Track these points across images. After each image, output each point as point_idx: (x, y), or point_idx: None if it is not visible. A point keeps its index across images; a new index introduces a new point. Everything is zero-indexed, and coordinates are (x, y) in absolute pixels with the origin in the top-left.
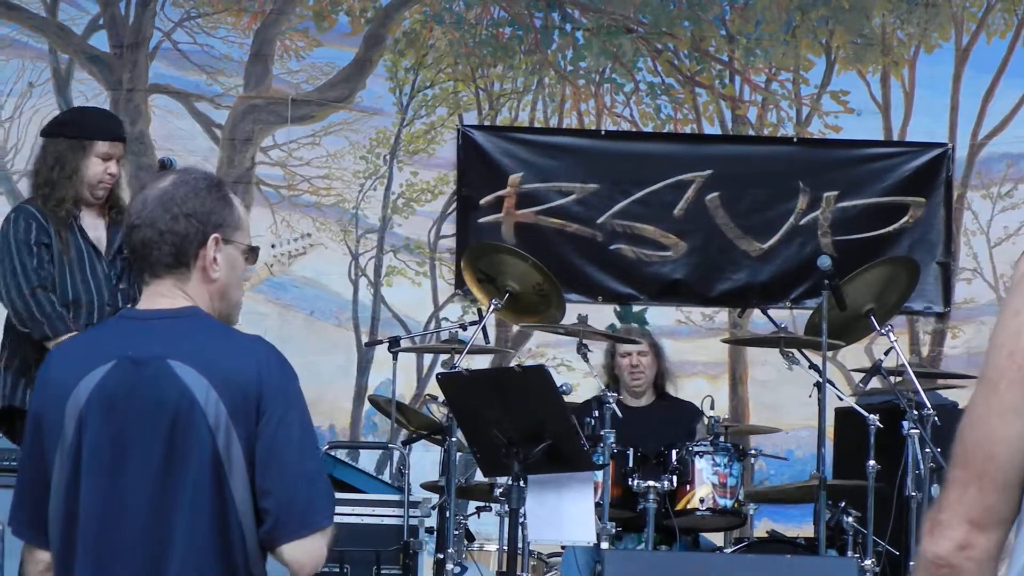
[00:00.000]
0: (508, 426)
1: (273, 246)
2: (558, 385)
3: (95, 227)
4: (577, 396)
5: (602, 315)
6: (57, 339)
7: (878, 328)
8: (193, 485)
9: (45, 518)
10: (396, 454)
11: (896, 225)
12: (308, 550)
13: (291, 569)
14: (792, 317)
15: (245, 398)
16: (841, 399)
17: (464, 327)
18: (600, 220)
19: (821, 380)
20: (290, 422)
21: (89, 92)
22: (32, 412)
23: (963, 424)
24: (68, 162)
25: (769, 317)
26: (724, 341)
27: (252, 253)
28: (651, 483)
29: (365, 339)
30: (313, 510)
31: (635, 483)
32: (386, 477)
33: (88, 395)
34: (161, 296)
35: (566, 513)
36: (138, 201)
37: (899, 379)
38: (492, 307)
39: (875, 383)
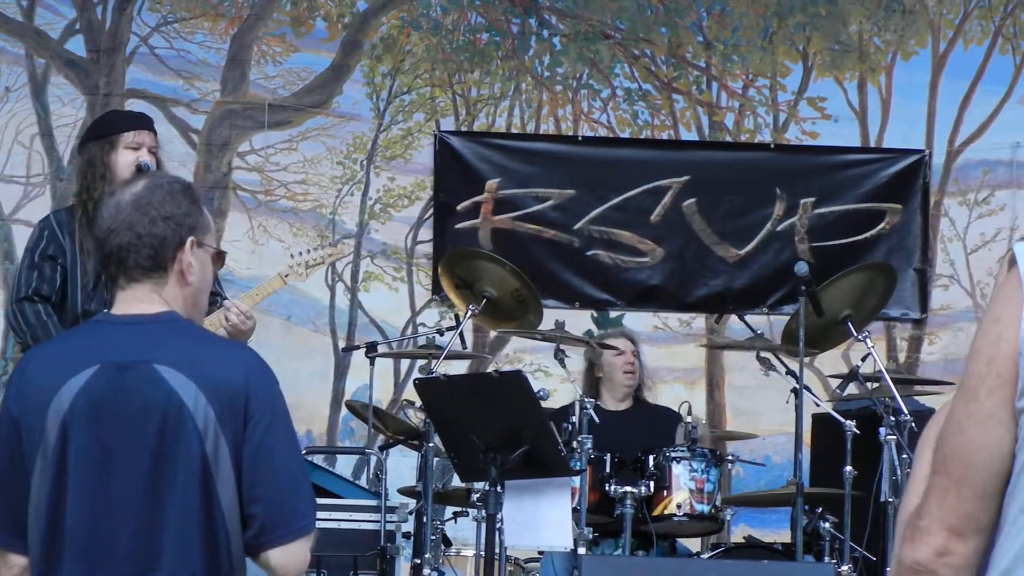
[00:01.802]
0: (485, 431)
1: (292, 255)
2: (535, 391)
3: None
4: (554, 401)
5: (579, 321)
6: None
7: (855, 334)
8: (182, 488)
9: (22, 523)
10: (373, 459)
11: (873, 231)
12: (293, 555)
13: (276, 574)
14: (769, 323)
15: (233, 403)
16: (818, 405)
17: (441, 332)
18: (577, 226)
19: (798, 386)
20: (277, 428)
21: (65, 96)
22: (9, 416)
23: (942, 431)
24: (99, 162)
25: (746, 323)
26: (701, 346)
27: (220, 257)
28: (628, 488)
29: (342, 344)
30: (298, 515)
31: (612, 488)
32: (363, 482)
33: (72, 400)
34: (138, 301)
35: (543, 518)
36: (111, 207)
37: (876, 385)
38: (469, 312)
39: (852, 389)
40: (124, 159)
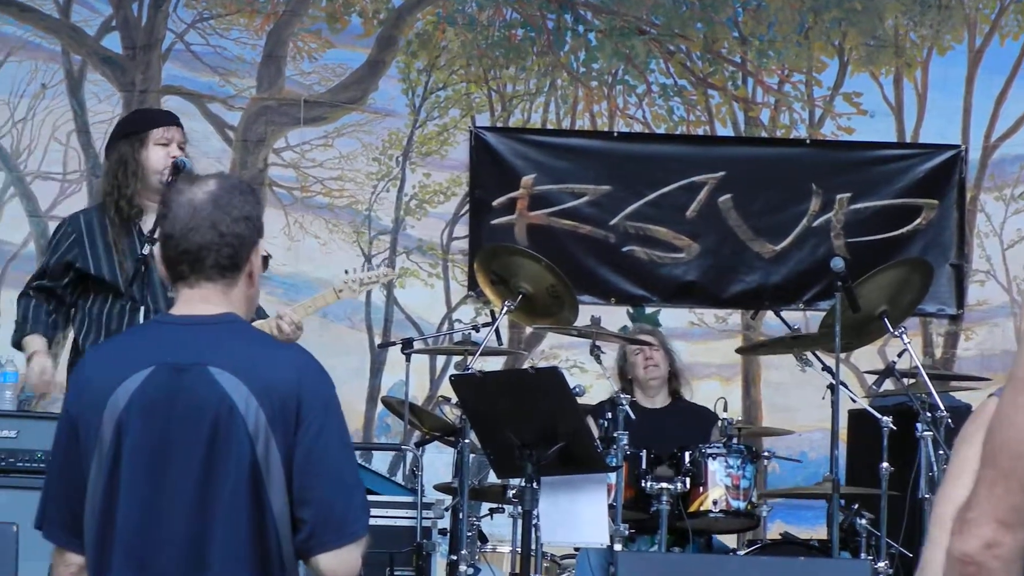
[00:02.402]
0: (521, 428)
1: (346, 271)
2: (571, 387)
3: None
4: (590, 398)
5: (615, 317)
6: (18, 344)
7: (891, 330)
8: (231, 491)
9: (79, 521)
10: (409, 456)
11: (909, 227)
12: (343, 560)
13: None
14: (805, 319)
15: (284, 406)
16: (854, 401)
17: (477, 329)
18: (613, 222)
19: (834, 382)
20: (329, 432)
21: (102, 93)
22: (68, 415)
23: (991, 422)
24: (130, 159)
25: (782, 319)
26: (738, 351)
27: (266, 261)
28: (664, 485)
29: (378, 341)
30: (349, 520)
31: (648, 485)
32: (399, 479)
33: (127, 400)
34: (203, 301)
35: (579, 515)
36: (183, 205)
37: (912, 381)
38: (505, 309)
39: (888, 385)
40: (155, 155)
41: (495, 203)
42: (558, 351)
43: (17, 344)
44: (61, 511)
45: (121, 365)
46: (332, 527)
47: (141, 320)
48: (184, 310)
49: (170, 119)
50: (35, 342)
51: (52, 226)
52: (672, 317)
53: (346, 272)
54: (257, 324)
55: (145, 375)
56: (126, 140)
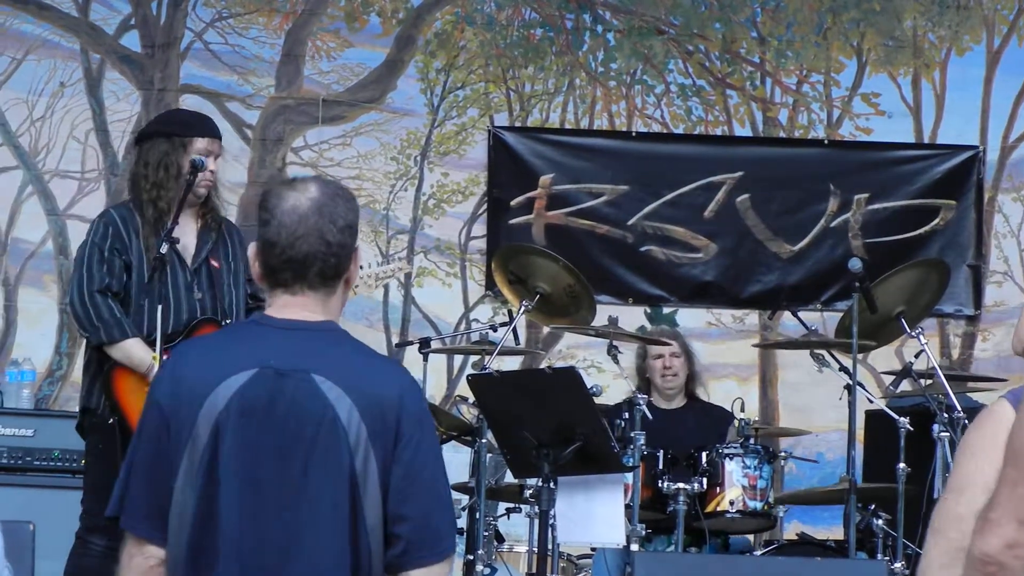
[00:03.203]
0: (538, 427)
1: (361, 267)
2: (588, 387)
3: (184, 233)
4: (607, 398)
5: (632, 317)
6: (112, 345)
7: (908, 331)
8: (329, 502)
9: (164, 516)
10: None
11: (927, 228)
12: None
13: None
14: (823, 319)
15: (385, 421)
16: (871, 401)
17: (494, 328)
18: (631, 222)
19: (851, 382)
20: (427, 449)
21: (120, 92)
22: (159, 407)
23: (1015, 424)
24: (172, 162)
25: (799, 319)
26: (755, 346)
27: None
28: (681, 485)
29: (395, 340)
30: (443, 537)
31: (665, 485)
32: None
33: (227, 401)
34: (299, 307)
35: (596, 515)
36: (288, 212)
37: (929, 382)
38: (523, 308)
39: (905, 386)
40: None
41: (513, 203)
42: (575, 351)
43: (101, 343)
44: (145, 503)
45: (221, 364)
46: (427, 544)
47: (159, 319)
48: (283, 314)
49: (214, 131)
50: (138, 346)
51: (70, 225)
52: (689, 317)
53: (360, 268)
54: None
55: (248, 377)
56: (168, 140)
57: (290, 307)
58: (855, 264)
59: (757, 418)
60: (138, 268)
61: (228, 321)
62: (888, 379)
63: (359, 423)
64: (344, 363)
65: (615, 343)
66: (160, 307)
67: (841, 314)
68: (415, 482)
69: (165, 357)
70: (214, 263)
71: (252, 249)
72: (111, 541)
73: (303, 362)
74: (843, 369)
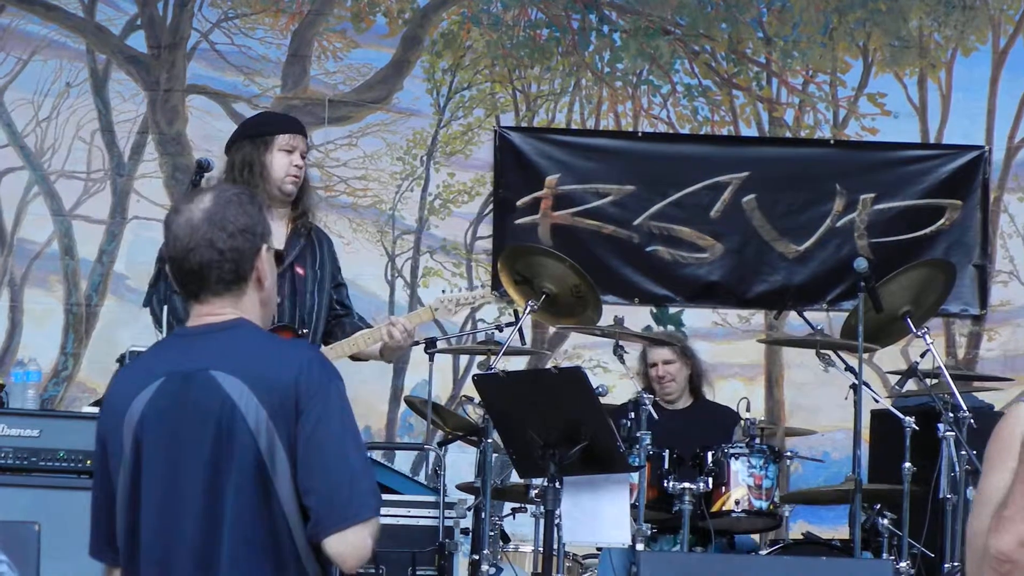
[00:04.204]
0: (544, 427)
1: (443, 291)
2: (594, 387)
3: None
4: (613, 397)
5: (638, 317)
6: None
7: (914, 330)
8: (236, 489)
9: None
10: (432, 455)
11: (932, 227)
12: (350, 542)
13: (335, 562)
14: (828, 319)
15: (283, 399)
16: (877, 401)
17: (500, 328)
18: (637, 222)
19: (857, 382)
20: (329, 420)
21: (126, 92)
22: (97, 435)
23: None
24: (256, 162)
25: (805, 319)
26: (760, 342)
27: (280, 256)
28: (687, 485)
29: None
30: (354, 503)
31: (671, 485)
32: (422, 478)
33: (141, 412)
34: (209, 314)
35: (602, 515)
36: (182, 225)
37: (935, 381)
38: (528, 308)
39: (911, 385)
40: (279, 161)
41: (519, 203)
42: (581, 351)
43: None
44: (105, 531)
45: (135, 379)
46: (336, 511)
47: (164, 321)
48: (197, 321)
49: (297, 126)
50: None
51: (76, 225)
52: (695, 317)
53: (443, 292)
54: (368, 331)
55: (156, 386)
56: (251, 142)
57: (202, 315)
58: (861, 264)
59: (763, 418)
60: None
61: (306, 330)
62: (894, 379)
63: (257, 407)
64: (243, 353)
65: (621, 343)
66: (165, 308)
67: (847, 314)
68: (317, 453)
69: None
70: (299, 270)
71: (167, 266)
72: None
73: (204, 361)
74: (849, 369)
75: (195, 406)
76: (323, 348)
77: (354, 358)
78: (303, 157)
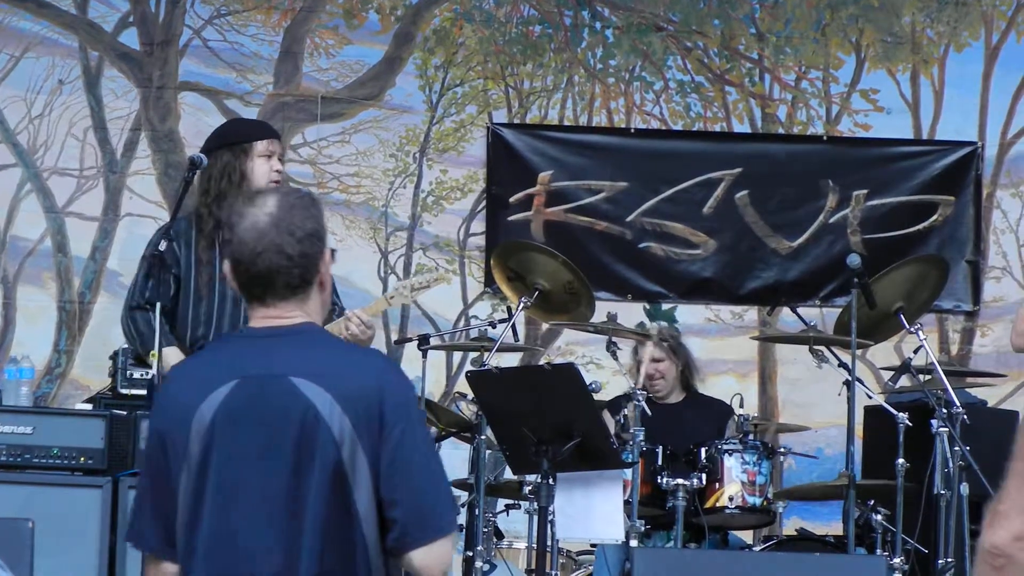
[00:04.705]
0: (537, 424)
1: (399, 278)
2: (587, 383)
3: None
4: (606, 394)
5: (631, 313)
6: (149, 355)
7: (907, 326)
8: (317, 499)
9: (173, 534)
10: None
11: (925, 224)
12: (435, 555)
13: (420, 574)
14: (821, 315)
15: (368, 411)
16: (870, 397)
17: (493, 325)
18: (629, 218)
19: (850, 378)
20: (412, 431)
21: (119, 89)
22: (155, 431)
23: None
24: (235, 169)
25: (798, 315)
26: (753, 338)
27: (333, 255)
28: (680, 481)
29: (394, 337)
30: (438, 515)
31: (664, 481)
32: None
33: (212, 415)
34: (274, 316)
35: (595, 511)
36: (247, 229)
37: (928, 377)
38: (522, 305)
39: (904, 381)
40: (259, 168)
41: (512, 199)
42: (574, 347)
43: (138, 354)
44: (155, 524)
45: (205, 380)
46: (422, 524)
47: (157, 321)
48: (263, 323)
49: (272, 131)
50: (175, 355)
51: (69, 223)
52: (688, 313)
53: (398, 279)
54: (329, 327)
55: (229, 389)
56: (230, 150)
57: (268, 317)
58: (854, 260)
59: (756, 414)
60: (185, 280)
61: None
62: (887, 375)
63: (341, 416)
64: (322, 361)
65: (614, 339)
66: (158, 306)
67: (840, 310)
68: (403, 465)
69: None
70: None
71: (226, 266)
72: None
73: (281, 366)
74: (842, 365)
75: (273, 412)
76: None
77: None
78: (281, 161)
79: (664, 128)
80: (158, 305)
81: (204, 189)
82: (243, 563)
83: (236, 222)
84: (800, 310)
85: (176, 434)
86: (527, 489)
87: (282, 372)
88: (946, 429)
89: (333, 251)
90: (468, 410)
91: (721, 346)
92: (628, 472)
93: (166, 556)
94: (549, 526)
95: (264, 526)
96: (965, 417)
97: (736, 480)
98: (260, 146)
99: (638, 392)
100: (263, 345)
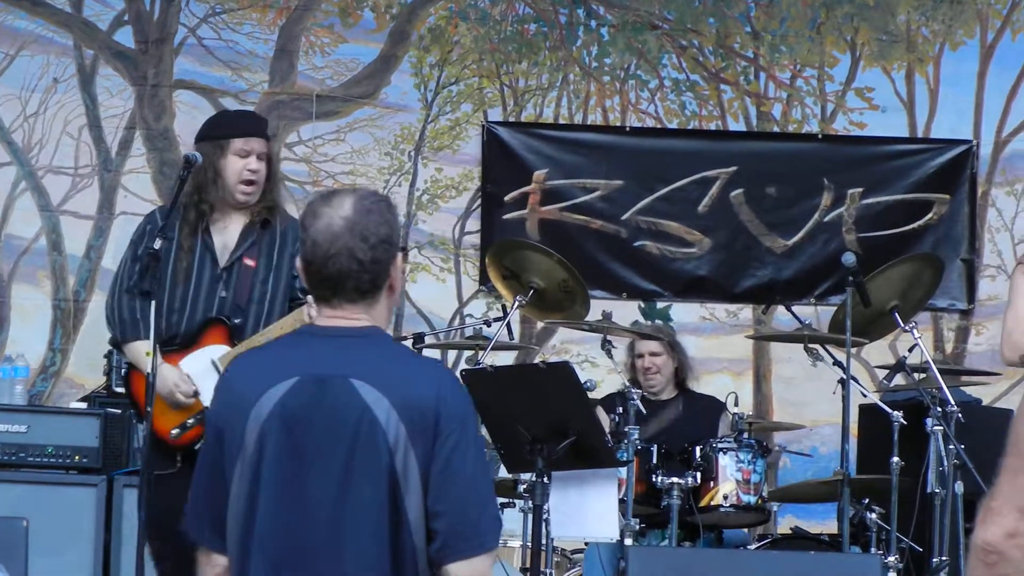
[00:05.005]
0: (532, 422)
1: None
2: (582, 381)
3: (225, 231)
4: (601, 392)
5: (626, 312)
6: (126, 344)
7: (902, 325)
8: (370, 501)
9: (224, 523)
10: None
11: (920, 222)
12: (475, 569)
13: None
14: (816, 314)
15: (424, 420)
16: (865, 396)
17: (488, 323)
18: (625, 217)
19: (845, 377)
20: (465, 445)
21: (114, 88)
22: (213, 421)
23: (1016, 414)
24: (210, 166)
25: (793, 314)
26: (748, 337)
27: (404, 254)
28: (675, 480)
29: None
30: (481, 532)
31: (659, 480)
32: None
33: (271, 409)
34: (341, 317)
35: (590, 509)
36: (321, 231)
37: (923, 376)
38: (516, 303)
39: (899, 380)
40: (232, 166)
41: (507, 198)
42: (569, 346)
43: (116, 341)
44: (207, 514)
45: (266, 375)
46: (465, 537)
47: (151, 316)
48: (329, 321)
49: (254, 128)
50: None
51: (64, 221)
52: (683, 312)
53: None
54: (291, 315)
55: (289, 385)
56: (208, 144)
57: (334, 317)
58: (849, 258)
59: (751, 412)
60: (164, 266)
61: (238, 321)
62: (882, 373)
63: (397, 423)
64: (382, 366)
65: (609, 338)
66: (152, 304)
67: (835, 308)
68: (452, 478)
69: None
70: (248, 262)
71: (298, 263)
72: None
73: (342, 367)
74: (837, 363)
75: (331, 411)
76: (244, 342)
77: None
78: (260, 159)
79: (659, 126)
80: (151, 304)
81: (191, 180)
82: (294, 560)
83: (310, 222)
84: (795, 308)
85: (233, 426)
86: (522, 487)
87: (343, 373)
88: (941, 427)
89: (404, 251)
90: None
91: (716, 345)
92: (623, 470)
93: (217, 548)
94: (544, 524)
95: (315, 524)
96: (960, 415)
97: (731, 479)
98: (237, 143)
99: (633, 391)
100: (327, 345)
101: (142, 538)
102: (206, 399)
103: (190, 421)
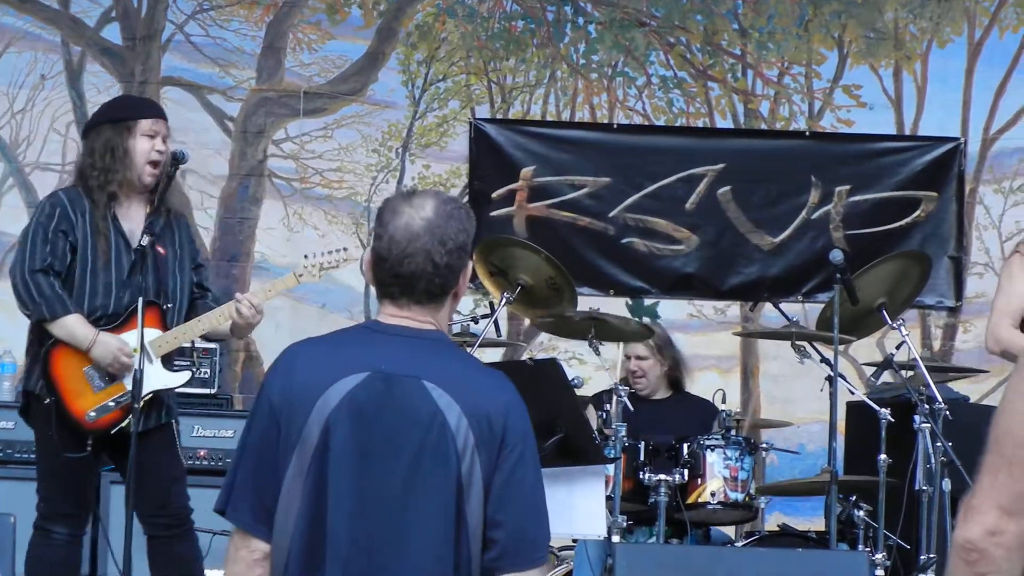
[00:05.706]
0: None
1: (306, 256)
2: (570, 378)
3: (131, 218)
4: (589, 389)
5: (614, 309)
6: (55, 321)
7: (890, 322)
8: (436, 504)
9: (269, 512)
10: None
11: (908, 219)
12: None
13: None
14: (804, 311)
15: (492, 431)
16: (852, 393)
17: (476, 320)
18: (612, 214)
19: (832, 374)
20: (527, 460)
21: (101, 84)
22: (269, 405)
23: (998, 409)
24: (118, 145)
25: (781, 311)
26: (736, 334)
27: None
28: (662, 477)
29: None
30: (537, 546)
31: (646, 477)
32: None
33: (338, 402)
34: (407, 318)
35: (577, 506)
36: (400, 229)
37: (910, 373)
38: (504, 300)
39: (886, 377)
40: (141, 146)
41: (494, 195)
42: (557, 343)
43: (42, 319)
44: (252, 498)
45: (333, 366)
46: (521, 550)
47: (140, 307)
48: (394, 320)
49: (158, 111)
50: (80, 322)
51: None
52: (671, 309)
53: (305, 257)
54: (218, 309)
55: (359, 380)
56: (112, 126)
57: (399, 317)
58: (836, 256)
59: (738, 410)
60: (83, 249)
61: (170, 306)
62: (869, 371)
63: (467, 430)
64: (453, 372)
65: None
66: (141, 298)
67: (822, 306)
68: (514, 491)
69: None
70: (160, 249)
71: (367, 256)
72: (74, 529)
73: (414, 368)
74: (824, 361)
75: (401, 410)
76: (174, 330)
77: (205, 338)
78: (164, 142)
79: (647, 124)
80: (140, 301)
81: (88, 163)
82: (359, 559)
83: (389, 218)
84: (783, 306)
85: (295, 413)
86: None
87: (415, 374)
88: (928, 425)
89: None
90: None
91: (703, 342)
92: (610, 468)
93: (258, 534)
94: None
95: (377, 525)
96: (947, 413)
97: (718, 476)
98: (144, 124)
99: (621, 388)
100: (397, 344)
101: (129, 533)
102: (128, 382)
103: (111, 403)
